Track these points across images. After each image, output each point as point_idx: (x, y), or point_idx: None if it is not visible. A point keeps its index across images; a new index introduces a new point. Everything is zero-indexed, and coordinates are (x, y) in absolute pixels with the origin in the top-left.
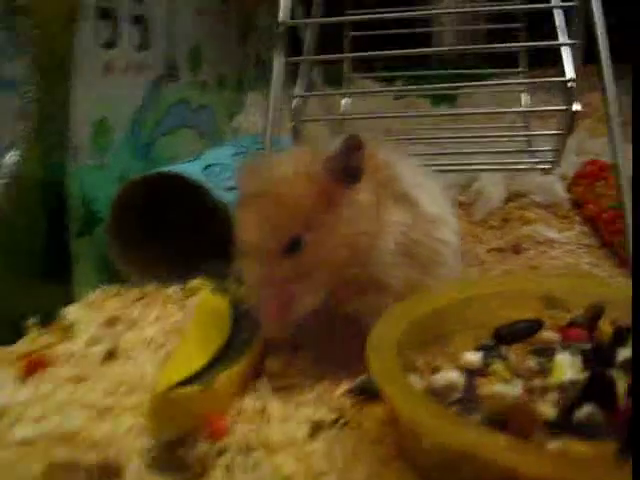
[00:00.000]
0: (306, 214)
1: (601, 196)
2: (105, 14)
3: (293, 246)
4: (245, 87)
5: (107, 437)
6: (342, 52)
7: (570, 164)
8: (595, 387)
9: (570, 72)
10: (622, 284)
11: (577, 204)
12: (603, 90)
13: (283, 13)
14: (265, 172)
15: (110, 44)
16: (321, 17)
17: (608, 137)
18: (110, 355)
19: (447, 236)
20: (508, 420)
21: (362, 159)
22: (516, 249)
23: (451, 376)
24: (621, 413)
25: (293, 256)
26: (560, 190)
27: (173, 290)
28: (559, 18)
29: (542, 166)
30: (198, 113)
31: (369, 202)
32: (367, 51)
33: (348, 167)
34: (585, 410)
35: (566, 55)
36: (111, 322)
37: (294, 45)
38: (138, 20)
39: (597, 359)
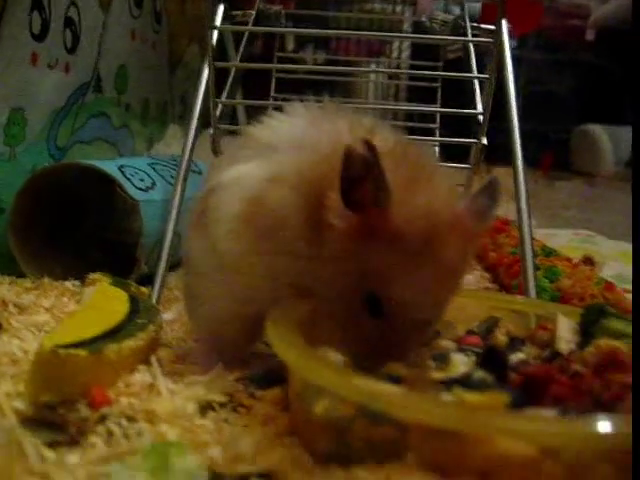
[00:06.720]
0: None
1: (502, 245)
2: (40, 7)
3: None
4: (168, 118)
5: None
6: (269, 82)
7: None
8: (489, 359)
9: (480, 107)
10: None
11: (479, 255)
12: (512, 157)
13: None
14: None
15: (40, 37)
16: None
17: (515, 191)
18: None
19: None
20: (404, 379)
21: None
22: None
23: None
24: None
25: None
26: None
27: (72, 284)
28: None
29: None
30: (118, 132)
31: None
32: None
33: None
34: (478, 374)
35: (477, 92)
36: (1, 305)
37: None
38: (70, 22)
39: (490, 359)
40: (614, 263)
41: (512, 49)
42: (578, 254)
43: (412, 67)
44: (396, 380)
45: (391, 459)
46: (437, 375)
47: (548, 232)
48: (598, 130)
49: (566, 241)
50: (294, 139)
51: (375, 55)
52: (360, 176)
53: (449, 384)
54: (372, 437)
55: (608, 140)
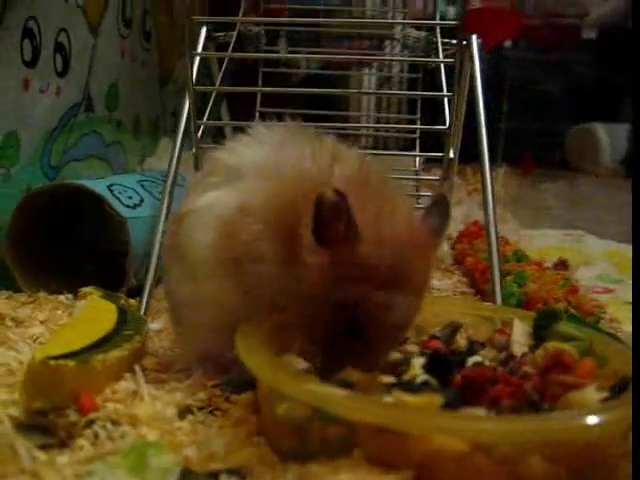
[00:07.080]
0: None
1: (479, 251)
2: (31, 35)
3: None
4: (160, 132)
5: None
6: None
7: (454, 228)
8: (434, 363)
9: (449, 123)
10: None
11: (458, 260)
12: (480, 162)
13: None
14: None
15: (31, 63)
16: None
17: (483, 197)
18: None
19: None
20: (356, 384)
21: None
22: None
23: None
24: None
25: None
26: (444, 246)
27: (65, 297)
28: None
29: None
30: (110, 148)
31: None
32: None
33: None
34: (422, 378)
35: (446, 108)
36: None
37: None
38: (61, 47)
39: (436, 363)
40: (601, 263)
41: (506, 49)
42: (566, 255)
43: (398, 77)
44: (349, 385)
45: (341, 455)
46: (387, 379)
47: (539, 233)
48: (599, 128)
49: (556, 242)
50: (259, 165)
51: (368, 64)
52: (331, 219)
53: (398, 387)
54: (326, 436)
55: (607, 138)
